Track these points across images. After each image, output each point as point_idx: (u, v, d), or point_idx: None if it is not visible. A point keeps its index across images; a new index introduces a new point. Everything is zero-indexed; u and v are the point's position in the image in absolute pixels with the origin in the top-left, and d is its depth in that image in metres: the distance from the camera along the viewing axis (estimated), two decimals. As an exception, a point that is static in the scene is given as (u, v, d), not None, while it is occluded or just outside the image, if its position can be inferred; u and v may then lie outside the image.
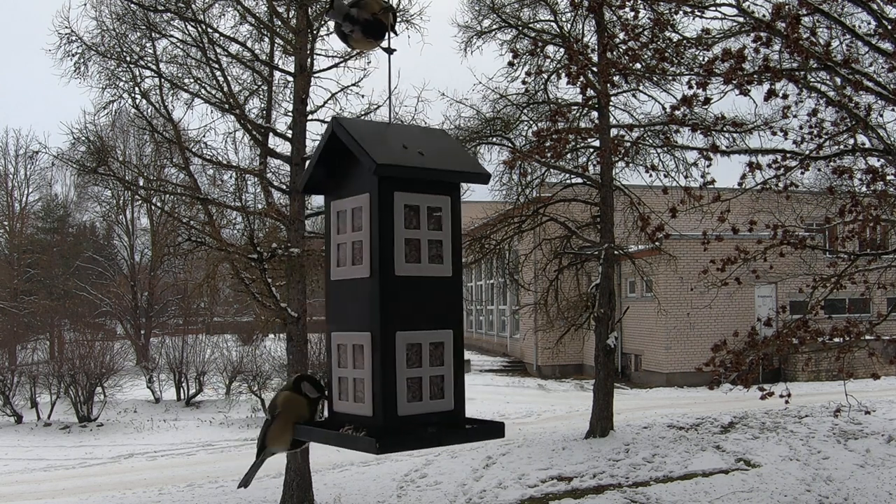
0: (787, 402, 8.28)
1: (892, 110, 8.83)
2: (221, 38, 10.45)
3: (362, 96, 21.61)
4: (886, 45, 7.09)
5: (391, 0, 10.70)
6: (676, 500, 9.37)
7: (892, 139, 8.40)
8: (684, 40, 7.58)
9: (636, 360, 23.46)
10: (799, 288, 9.47)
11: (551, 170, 14.54)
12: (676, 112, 7.81)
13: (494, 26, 14.68)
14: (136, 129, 13.07)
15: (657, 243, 10.18)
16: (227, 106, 10.30)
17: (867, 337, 8.16)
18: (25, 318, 30.90)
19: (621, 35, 8.21)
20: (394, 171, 1.69)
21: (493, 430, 1.83)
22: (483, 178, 1.80)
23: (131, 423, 18.88)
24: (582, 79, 8.22)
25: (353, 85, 10.83)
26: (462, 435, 1.81)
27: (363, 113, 10.80)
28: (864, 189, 8.60)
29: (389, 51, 1.96)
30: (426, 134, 1.93)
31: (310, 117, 10.40)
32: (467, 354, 29.37)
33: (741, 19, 7.35)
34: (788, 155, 8.28)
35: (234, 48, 10.66)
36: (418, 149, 1.75)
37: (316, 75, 10.49)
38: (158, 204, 13.47)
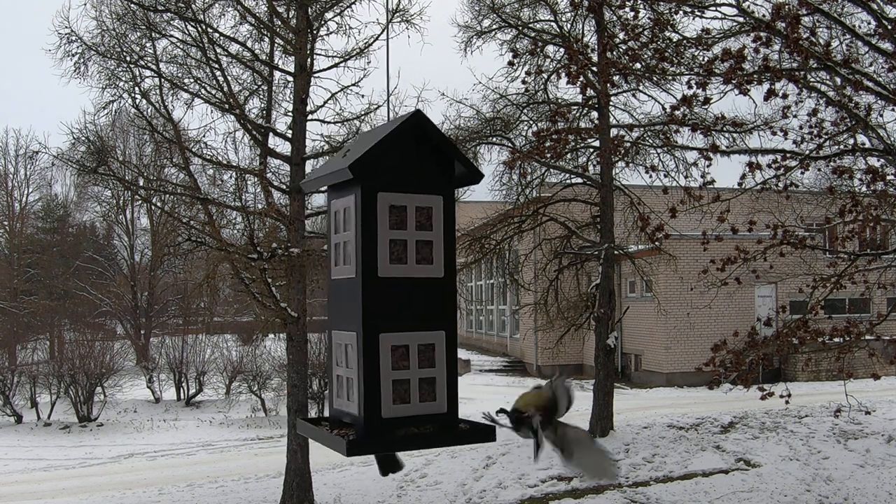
0: (787, 402, 8.29)
1: (892, 110, 8.84)
2: (221, 38, 10.45)
3: (362, 96, 21.52)
4: (886, 45, 7.09)
5: (390, 0, 10.73)
6: (676, 500, 9.37)
7: (892, 139, 8.40)
8: (684, 40, 7.57)
9: (636, 360, 23.46)
10: (799, 288, 9.47)
11: (551, 170, 14.54)
12: (676, 112, 7.81)
13: (494, 26, 14.67)
14: (136, 129, 13.05)
15: (657, 243, 10.17)
16: (227, 106, 10.29)
17: (867, 337, 8.15)
18: (25, 318, 30.91)
19: (621, 35, 8.21)
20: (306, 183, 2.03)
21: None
22: (345, 174, 1.65)
23: (131, 423, 18.88)
24: (582, 79, 8.21)
25: (353, 85, 10.82)
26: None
27: (363, 113, 10.80)
28: (864, 189, 8.60)
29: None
30: (371, 133, 1.88)
31: (310, 117, 10.39)
32: (467, 354, 29.34)
33: (741, 19, 7.35)
34: (788, 155, 8.27)
35: (234, 48, 10.67)
36: (349, 151, 1.76)
37: (316, 75, 10.49)
38: (158, 204, 13.46)
